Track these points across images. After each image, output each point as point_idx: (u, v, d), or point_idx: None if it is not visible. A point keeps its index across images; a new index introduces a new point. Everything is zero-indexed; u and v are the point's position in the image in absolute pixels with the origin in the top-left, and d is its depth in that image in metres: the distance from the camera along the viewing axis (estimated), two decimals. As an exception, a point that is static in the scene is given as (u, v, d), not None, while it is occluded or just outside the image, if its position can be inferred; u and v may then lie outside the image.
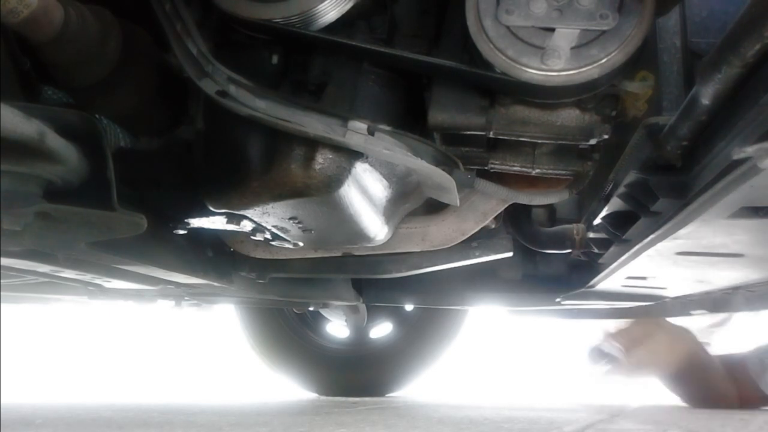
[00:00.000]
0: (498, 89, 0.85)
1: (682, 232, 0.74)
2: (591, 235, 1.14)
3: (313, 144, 0.85)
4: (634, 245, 0.90)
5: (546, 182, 1.03)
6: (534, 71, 0.78)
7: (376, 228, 1.06)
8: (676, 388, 1.42)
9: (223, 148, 0.91)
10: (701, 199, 0.64)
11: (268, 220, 1.00)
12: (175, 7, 0.85)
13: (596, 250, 1.15)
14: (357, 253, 1.28)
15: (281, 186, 0.87)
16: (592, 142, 0.88)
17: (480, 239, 1.29)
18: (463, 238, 1.23)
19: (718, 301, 1.29)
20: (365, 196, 0.95)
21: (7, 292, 1.39)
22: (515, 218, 1.30)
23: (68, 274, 1.01)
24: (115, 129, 1.05)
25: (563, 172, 0.97)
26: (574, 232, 1.27)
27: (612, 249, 1.06)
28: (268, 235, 1.10)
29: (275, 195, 0.89)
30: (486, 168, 0.98)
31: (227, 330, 2.58)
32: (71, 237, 0.77)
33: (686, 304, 1.39)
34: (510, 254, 1.32)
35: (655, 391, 1.50)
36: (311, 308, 1.90)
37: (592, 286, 1.29)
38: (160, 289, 1.31)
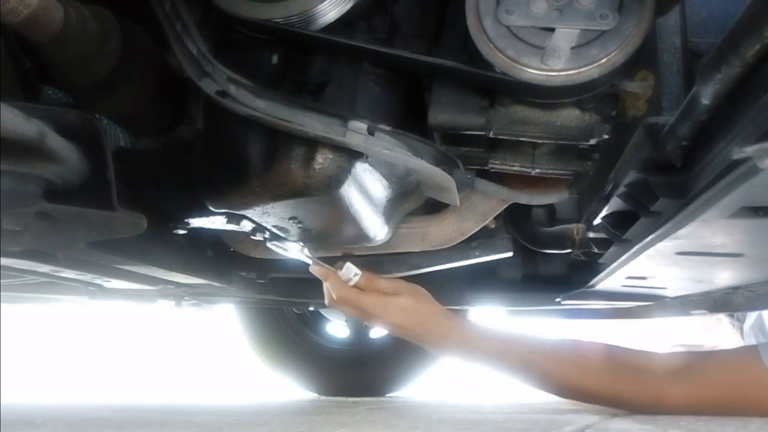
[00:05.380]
0: (498, 89, 0.85)
1: (682, 232, 0.73)
2: (591, 235, 1.14)
3: (313, 144, 0.85)
4: (634, 245, 0.89)
5: (546, 182, 1.03)
6: (534, 71, 0.78)
7: (376, 228, 1.06)
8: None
9: (223, 148, 0.91)
10: (701, 199, 0.64)
11: (268, 220, 1.01)
12: (175, 6, 0.84)
13: (596, 250, 1.15)
14: (357, 253, 1.28)
15: (281, 186, 0.87)
16: (592, 142, 0.88)
17: (480, 239, 1.28)
18: (463, 238, 1.23)
19: (718, 301, 1.28)
20: (365, 196, 0.95)
21: (7, 292, 1.39)
22: (515, 218, 1.30)
23: (68, 274, 1.01)
24: (115, 129, 1.05)
25: (563, 172, 0.97)
26: (574, 232, 1.27)
27: (612, 249, 1.06)
28: (268, 235, 1.10)
29: (275, 195, 0.89)
30: (486, 168, 0.98)
31: (227, 330, 2.58)
32: (71, 237, 0.77)
33: (686, 304, 1.39)
34: (510, 254, 1.32)
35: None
36: (311, 308, 1.90)
37: (592, 286, 1.29)
38: (160, 289, 1.31)
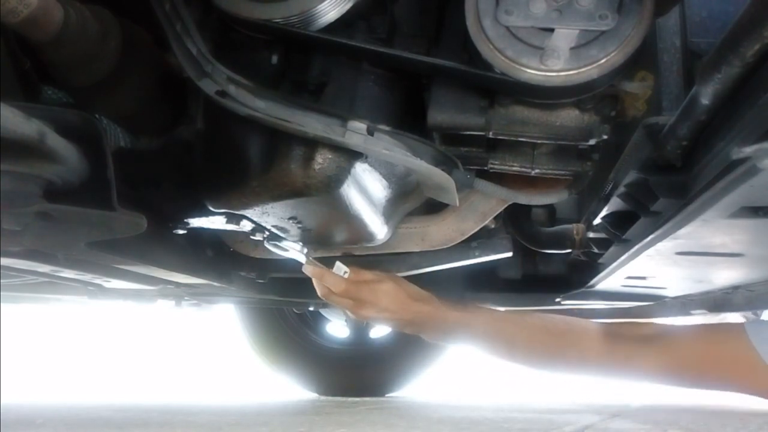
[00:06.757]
0: (497, 89, 0.85)
1: (682, 231, 0.73)
2: (591, 235, 1.14)
3: (312, 144, 0.85)
4: (634, 245, 0.89)
5: (545, 182, 1.03)
6: (533, 71, 0.78)
7: (375, 228, 1.06)
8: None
9: (222, 148, 0.91)
10: (701, 199, 0.64)
11: (268, 220, 1.01)
12: (175, 7, 0.84)
13: (596, 250, 1.15)
14: (357, 253, 1.28)
15: (281, 186, 0.87)
16: (592, 142, 0.88)
17: (480, 239, 1.29)
18: (463, 238, 1.23)
19: (718, 301, 1.29)
20: (365, 196, 0.95)
21: (7, 292, 1.39)
22: (515, 218, 1.30)
23: (68, 274, 1.01)
24: (115, 129, 1.05)
25: (563, 172, 0.97)
26: (574, 232, 1.27)
27: (612, 249, 1.06)
28: (267, 235, 1.10)
29: (275, 195, 0.89)
30: (485, 168, 0.98)
31: (227, 330, 2.58)
32: (71, 237, 0.77)
33: (686, 303, 1.39)
34: (510, 254, 1.32)
35: (653, 390, 1.50)
36: (311, 308, 1.90)
37: (592, 286, 1.29)
38: (160, 289, 1.31)
